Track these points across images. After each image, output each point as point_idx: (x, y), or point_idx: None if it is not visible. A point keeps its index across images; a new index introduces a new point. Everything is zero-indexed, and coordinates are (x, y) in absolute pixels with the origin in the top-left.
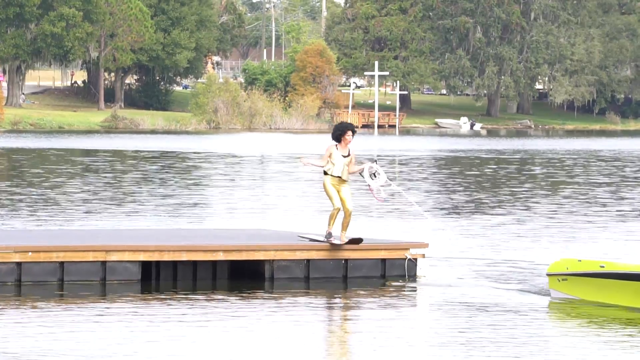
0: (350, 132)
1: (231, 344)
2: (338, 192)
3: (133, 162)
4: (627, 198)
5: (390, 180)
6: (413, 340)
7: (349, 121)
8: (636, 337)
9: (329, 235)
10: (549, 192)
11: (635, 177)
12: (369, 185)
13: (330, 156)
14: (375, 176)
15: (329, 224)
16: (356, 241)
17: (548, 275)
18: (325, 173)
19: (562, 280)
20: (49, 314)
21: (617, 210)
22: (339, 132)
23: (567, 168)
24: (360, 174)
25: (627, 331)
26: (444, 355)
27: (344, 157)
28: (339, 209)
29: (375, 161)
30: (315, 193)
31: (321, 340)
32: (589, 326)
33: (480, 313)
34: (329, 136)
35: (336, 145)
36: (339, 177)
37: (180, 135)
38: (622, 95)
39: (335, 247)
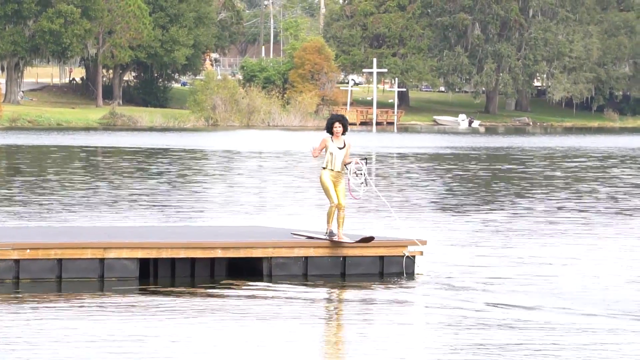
0: (337, 123)
1: (229, 342)
2: (335, 186)
3: (131, 159)
4: (622, 196)
5: (367, 183)
6: (410, 338)
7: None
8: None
9: (331, 233)
10: (546, 190)
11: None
12: (349, 180)
13: (326, 148)
14: (357, 175)
15: (328, 222)
16: (367, 240)
17: None
18: (324, 167)
19: None
20: (47, 311)
21: (608, 208)
22: (329, 124)
23: (563, 165)
24: (346, 165)
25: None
26: (441, 354)
27: (340, 149)
28: (336, 205)
29: (366, 159)
30: (313, 190)
31: (319, 338)
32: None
33: (477, 311)
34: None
35: (331, 138)
36: (338, 170)
37: (179, 132)
38: (621, 93)
39: (333, 244)
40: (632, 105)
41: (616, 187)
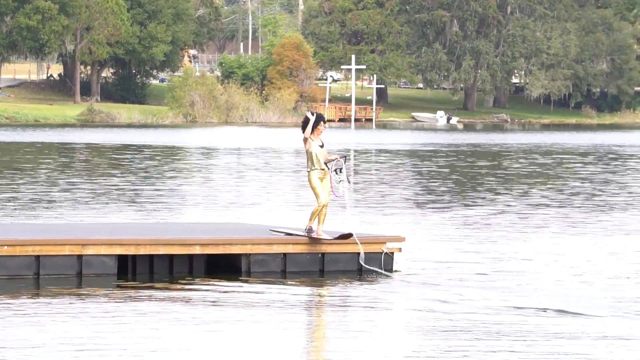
0: (322, 123)
1: (207, 339)
2: (321, 181)
3: (109, 155)
4: (599, 192)
5: (349, 181)
6: (388, 335)
7: (325, 115)
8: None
9: (310, 230)
10: (525, 186)
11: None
12: (330, 177)
13: (309, 148)
14: (337, 172)
15: (311, 219)
16: (346, 236)
17: None
18: (310, 170)
19: None
20: (24, 308)
21: (592, 204)
22: (316, 124)
23: (541, 161)
24: (326, 164)
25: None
26: (419, 349)
27: (321, 147)
28: (323, 206)
29: (345, 157)
30: (293, 187)
31: (296, 337)
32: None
33: (455, 307)
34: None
35: (310, 136)
36: (323, 169)
37: (157, 129)
38: (598, 89)
39: (312, 241)
40: (609, 102)
41: (593, 183)
